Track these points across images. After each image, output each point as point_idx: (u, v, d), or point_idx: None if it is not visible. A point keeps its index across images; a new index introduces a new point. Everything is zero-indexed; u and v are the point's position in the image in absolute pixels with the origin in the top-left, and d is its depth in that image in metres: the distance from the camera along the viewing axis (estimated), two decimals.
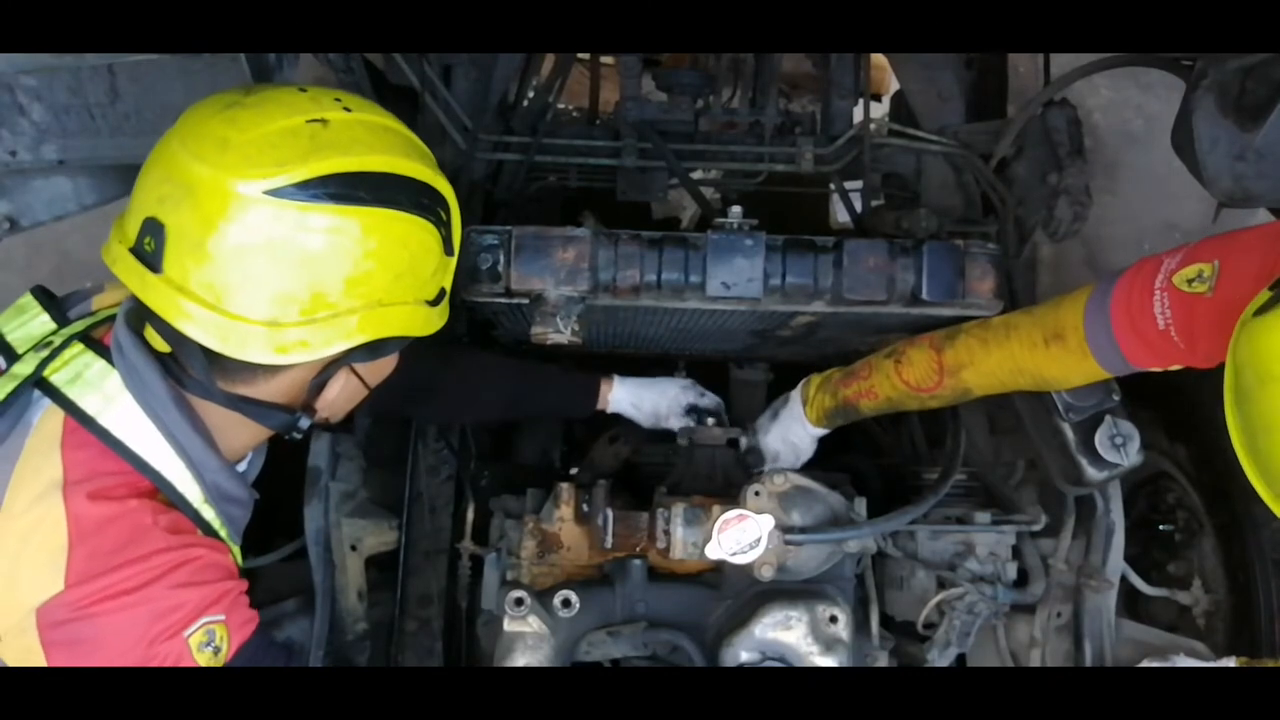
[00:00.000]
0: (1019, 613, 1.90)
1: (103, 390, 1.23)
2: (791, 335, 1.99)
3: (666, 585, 1.74)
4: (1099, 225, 2.84)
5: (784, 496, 1.71)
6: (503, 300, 1.77)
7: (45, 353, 1.27)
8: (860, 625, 1.78)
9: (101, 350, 1.27)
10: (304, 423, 1.31)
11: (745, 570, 1.68)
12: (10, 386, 1.24)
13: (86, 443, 1.21)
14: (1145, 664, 1.79)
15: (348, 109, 1.24)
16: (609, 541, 1.73)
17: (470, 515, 1.90)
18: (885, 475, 2.14)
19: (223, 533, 1.31)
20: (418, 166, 1.26)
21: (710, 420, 1.98)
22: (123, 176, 1.74)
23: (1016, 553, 1.89)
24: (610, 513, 1.73)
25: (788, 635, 1.66)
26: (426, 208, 1.27)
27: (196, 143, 1.17)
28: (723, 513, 1.66)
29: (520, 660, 1.63)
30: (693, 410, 2.00)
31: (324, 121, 1.20)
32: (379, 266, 1.22)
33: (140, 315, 1.24)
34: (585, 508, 1.76)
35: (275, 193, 1.15)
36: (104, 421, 1.22)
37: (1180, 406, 2.03)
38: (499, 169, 2.15)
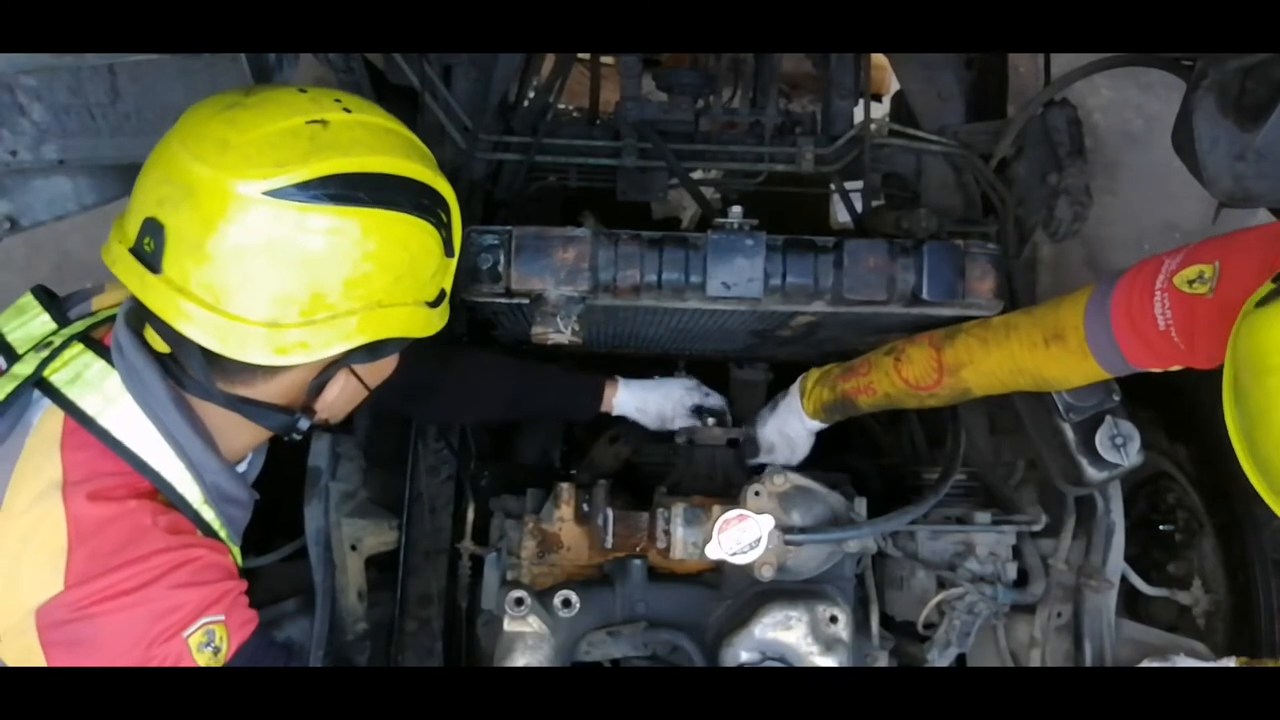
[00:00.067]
0: (1019, 613, 1.90)
1: (102, 391, 1.23)
2: (791, 335, 1.99)
3: (666, 585, 1.74)
4: (1099, 225, 2.84)
5: (784, 496, 1.71)
6: (503, 300, 1.77)
7: (45, 353, 1.27)
8: (860, 625, 1.78)
9: (101, 351, 1.26)
10: (303, 424, 1.31)
11: (745, 570, 1.68)
12: (10, 387, 1.24)
13: (86, 443, 1.21)
14: (1145, 664, 1.79)
15: (348, 110, 1.24)
16: (609, 541, 1.73)
17: (470, 515, 1.90)
18: (885, 475, 2.14)
19: (222, 533, 1.31)
20: (418, 168, 1.26)
21: (711, 420, 1.98)
22: (123, 176, 1.74)
23: (1016, 553, 1.89)
24: (610, 513, 1.73)
25: (788, 635, 1.66)
26: (427, 209, 1.27)
27: (196, 143, 1.17)
28: (723, 513, 1.66)
29: (520, 660, 1.63)
30: (698, 411, 2.00)
31: (324, 122, 1.20)
32: (378, 268, 1.22)
33: (140, 316, 1.24)
34: (585, 508, 1.76)
35: (275, 193, 1.15)
36: (104, 422, 1.22)
37: (1180, 406, 2.03)
38: (499, 169, 2.15)
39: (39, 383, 1.24)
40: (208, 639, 1.19)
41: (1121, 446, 1.68)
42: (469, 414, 2.00)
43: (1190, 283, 1.32)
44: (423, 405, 1.84)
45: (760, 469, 1.78)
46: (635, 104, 2.15)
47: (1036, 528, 1.88)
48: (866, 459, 2.23)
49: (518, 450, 2.32)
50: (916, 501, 1.78)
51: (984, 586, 1.83)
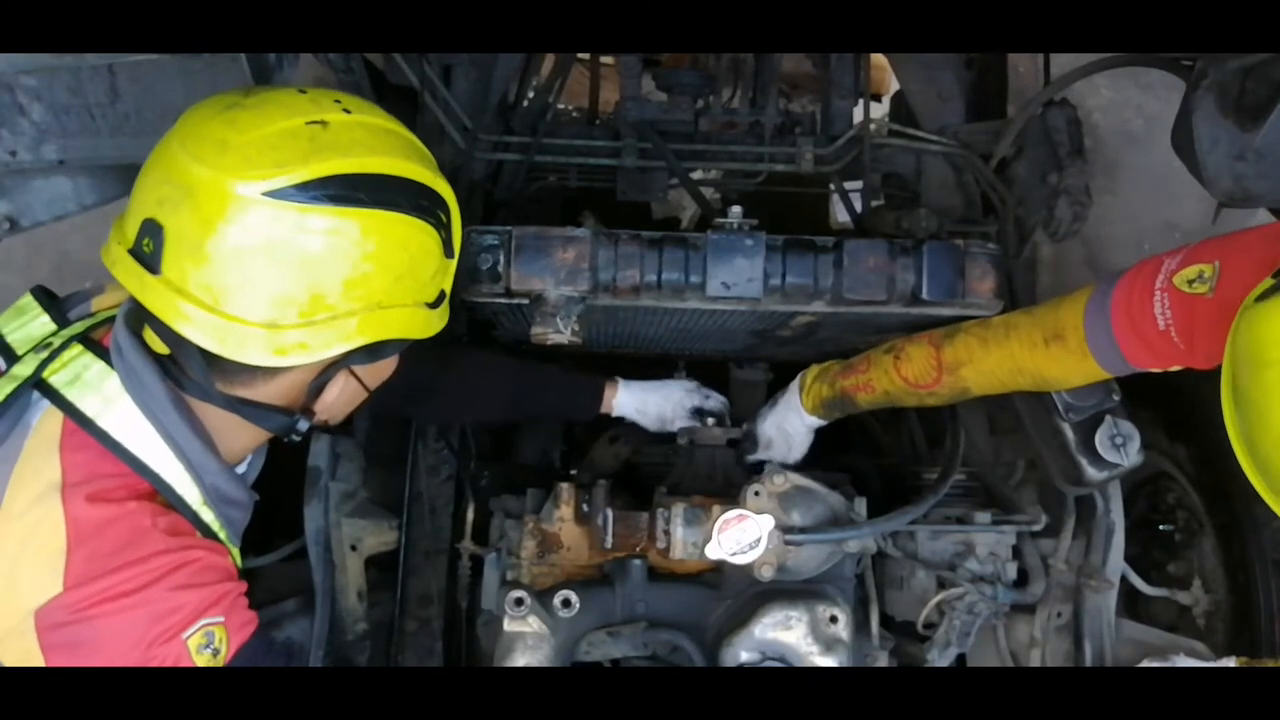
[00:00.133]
0: (1019, 613, 1.90)
1: (102, 392, 1.23)
2: (791, 335, 1.99)
3: (666, 585, 1.74)
4: (1099, 225, 2.84)
5: (784, 496, 1.71)
6: (503, 300, 1.77)
7: (45, 354, 1.27)
8: (860, 625, 1.78)
9: (101, 352, 1.26)
10: (303, 425, 1.31)
11: (745, 570, 1.68)
12: (10, 388, 1.24)
13: (85, 445, 1.21)
14: (1145, 664, 1.79)
15: (347, 110, 1.24)
16: (609, 541, 1.73)
17: (470, 515, 1.90)
18: (885, 475, 2.14)
19: (222, 535, 1.31)
20: (418, 168, 1.26)
21: (711, 421, 1.98)
22: (123, 176, 1.74)
23: (1016, 553, 1.89)
24: (610, 513, 1.73)
25: (788, 635, 1.66)
26: (426, 210, 1.26)
27: (196, 144, 1.17)
28: (723, 513, 1.66)
29: (520, 660, 1.63)
30: (698, 412, 2.00)
31: (323, 123, 1.20)
32: (378, 269, 1.21)
33: (139, 317, 1.24)
34: (585, 508, 1.76)
35: (274, 194, 1.15)
36: (103, 423, 1.22)
37: (1180, 406, 2.03)
38: (499, 169, 2.15)
39: (38, 384, 1.24)
40: (207, 640, 1.19)
41: (1121, 446, 1.68)
42: (469, 414, 2.00)
43: (1190, 282, 1.32)
44: (423, 406, 1.84)
45: (760, 468, 1.78)
46: (635, 104, 2.15)
47: (1036, 528, 1.88)
48: (866, 459, 2.23)
49: (518, 450, 2.32)
50: (916, 501, 1.78)
51: (984, 586, 1.83)
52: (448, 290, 1.37)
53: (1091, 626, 1.84)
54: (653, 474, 2.04)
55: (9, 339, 1.33)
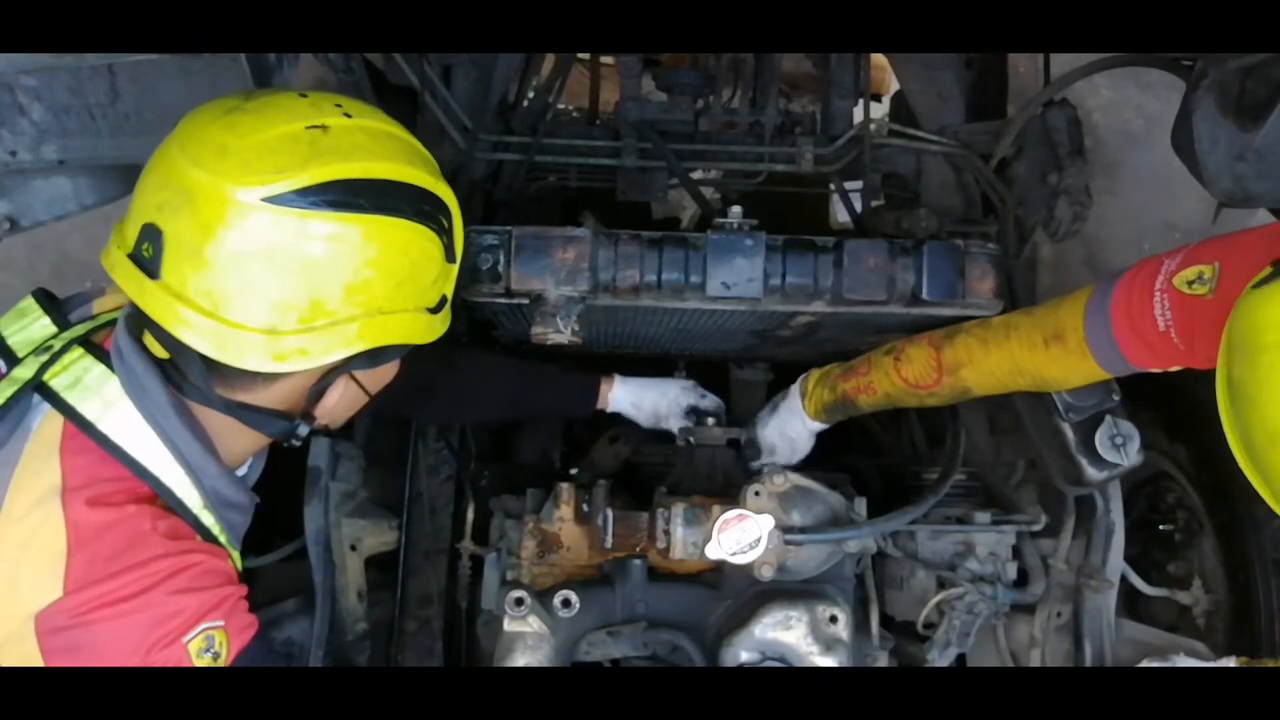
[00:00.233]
0: (1019, 613, 1.90)
1: (102, 396, 1.23)
2: (791, 335, 1.99)
3: (666, 585, 1.74)
4: (1099, 225, 2.84)
5: (784, 496, 1.71)
6: (503, 300, 1.77)
7: (45, 357, 1.27)
8: (860, 625, 1.78)
9: (101, 355, 1.26)
10: (303, 430, 1.31)
11: (745, 570, 1.68)
12: (10, 391, 1.24)
13: (85, 448, 1.20)
14: (1145, 664, 1.79)
15: (349, 115, 1.23)
16: (609, 541, 1.73)
17: (470, 515, 1.91)
18: (885, 475, 2.14)
19: (222, 538, 1.30)
20: (419, 173, 1.25)
21: (710, 421, 1.98)
22: (123, 176, 1.74)
23: (1016, 553, 1.89)
24: (610, 513, 1.73)
25: (788, 635, 1.66)
26: (428, 215, 1.26)
27: (195, 149, 1.16)
28: (723, 513, 1.66)
29: (520, 660, 1.63)
30: (693, 411, 2.00)
31: (324, 128, 1.20)
32: (379, 274, 1.21)
33: (139, 321, 1.23)
34: (585, 508, 1.76)
35: (274, 200, 1.14)
36: (103, 427, 1.21)
37: (1180, 406, 2.03)
38: (499, 169, 2.15)
39: (39, 387, 1.24)
40: (207, 644, 1.18)
41: (1121, 446, 1.68)
42: (469, 414, 2.00)
43: (1190, 283, 1.32)
44: (423, 406, 1.84)
45: (760, 468, 1.78)
46: (635, 104, 2.15)
47: (1036, 528, 1.88)
48: (866, 459, 2.23)
49: (518, 450, 2.32)
50: (916, 501, 1.78)
51: (984, 586, 1.83)
52: (449, 295, 1.37)
53: (1091, 626, 1.84)
54: (653, 474, 2.04)
55: (10, 341, 1.33)
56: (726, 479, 1.94)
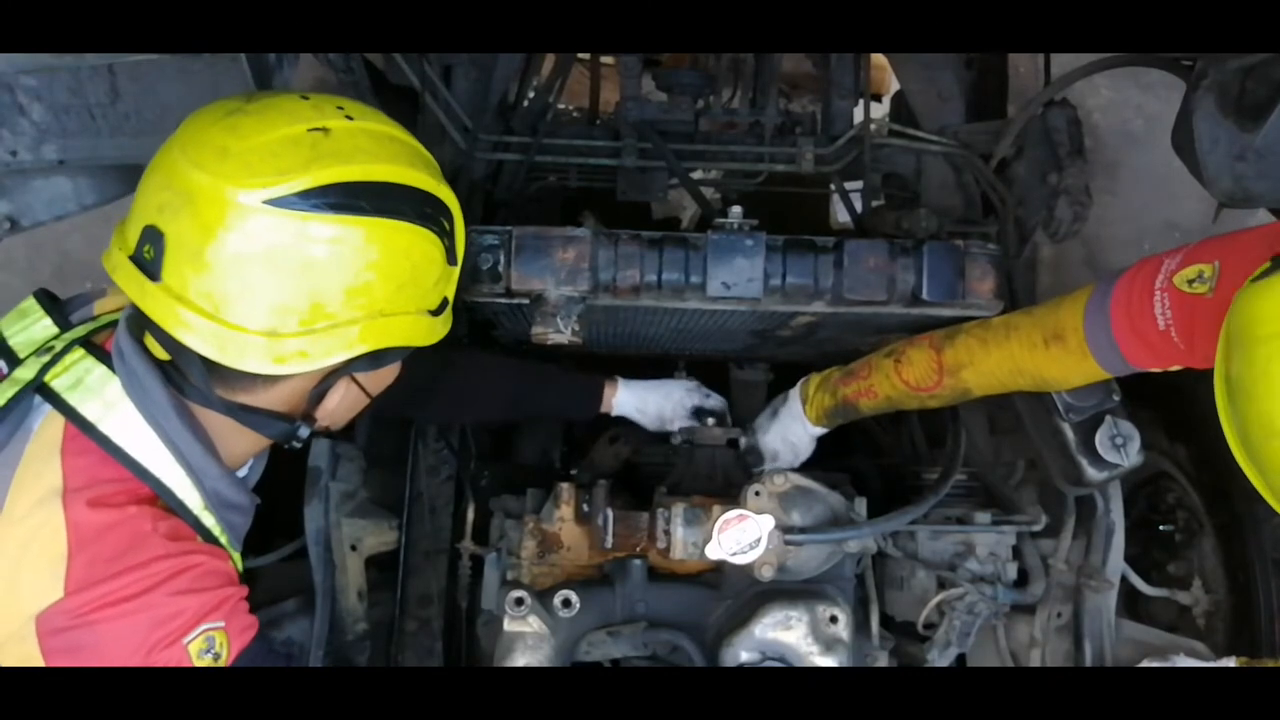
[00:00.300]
0: (1019, 613, 1.90)
1: (103, 397, 1.23)
2: (791, 335, 1.99)
3: (666, 585, 1.74)
4: (1099, 225, 2.84)
5: (784, 496, 1.71)
6: (503, 300, 1.77)
7: (47, 358, 1.27)
8: (860, 625, 1.78)
9: (103, 356, 1.26)
10: (304, 432, 1.31)
11: (745, 570, 1.68)
12: (11, 392, 1.24)
13: (86, 449, 1.20)
14: (1145, 664, 1.79)
15: (350, 117, 1.23)
16: (609, 541, 1.73)
17: (470, 515, 1.90)
18: (885, 475, 2.14)
19: (223, 539, 1.30)
20: (421, 176, 1.25)
21: (711, 420, 1.98)
22: (123, 176, 1.74)
23: (1016, 553, 1.89)
24: (610, 513, 1.73)
25: (788, 635, 1.66)
26: (429, 218, 1.26)
27: (197, 150, 1.16)
28: (723, 513, 1.66)
29: (520, 660, 1.63)
30: (698, 412, 1.99)
31: (326, 130, 1.20)
32: (380, 277, 1.21)
33: (140, 322, 1.23)
34: (585, 508, 1.76)
35: (275, 202, 1.14)
36: (104, 428, 1.21)
37: (1180, 406, 2.03)
38: (499, 169, 2.15)
39: (40, 388, 1.24)
40: (208, 645, 1.18)
41: (1121, 446, 1.68)
42: (469, 415, 2.00)
43: (1190, 282, 1.32)
44: (423, 406, 1.84)
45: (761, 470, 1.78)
46: (635, 104, 2.15)
47: (1036, 528, 1.88)
48: (867, 459, 2.24)
49: (518, 450, 2.32)
50: (916, 501, 1.78)
51: (984, 586, 1.83)
52: (451, 297, 1.36)
53: (1091, 626, 1.84)
54: (653, 474, 2.04)
55: (11, 342, 1.32)
56: (726, 479, 1.94)
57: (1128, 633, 1.89)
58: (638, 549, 1.75)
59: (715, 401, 2.02)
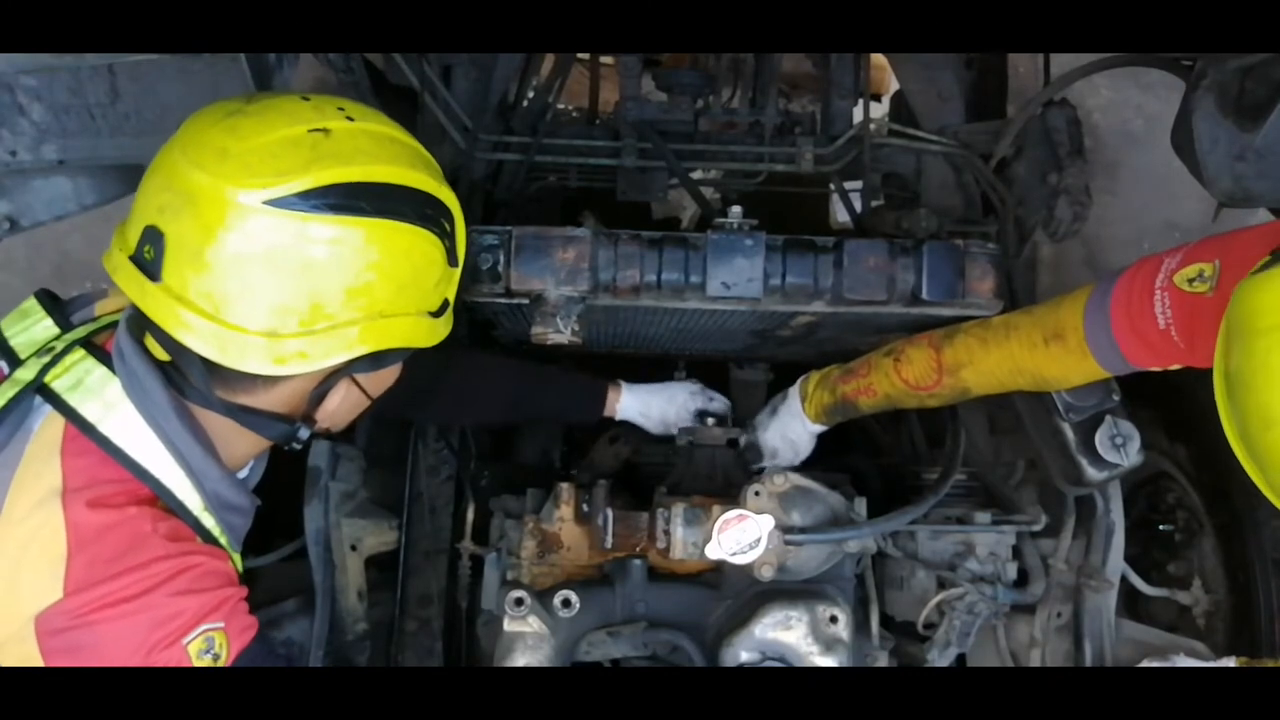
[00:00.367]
0: (1019, 613, 1.90)
1: (103, 397, 1.23)
2: (791, 335, 1.99)
3: (666, 585, 1.74)
4: (1099, 225, 2.84)
5: (784, 496, 1.71)
6: (503, 300, 1.77)
7: (47, 358, 1.27)
8: (860, 625, 1.78)
9: (103, 356, 1.26)
10: (304, 433, 1.31)
11: (745, 570, 1.68)
12: (12, 392, 1.24)
13: (86, 450, 1.20)
14: (1145, 664, 1.79)
15: (351, 118, 1.23)
16: (609, 541, 1.73)
17: (470, 515, 1.90)
18: (885, 475, 2.14)
19: (222, 540, 1.30)
20: (422, 177, 1.25)
21: (711, 421, 1.98)
22: (123, 176, 1.74)
23: (1016, 553, 1.89)
24: (610, 513, 1.73)
25: (788, 635, 1.66)
26: (430, 219, 1.26)
27: (197, 151, 1.17)
28: (723, 513, 1.66)
29: (520, 660, 1.63)
30: (702, 415, 1.99)
31: (326, 131, 1.20)
32: (380, 278, 1.21)
33: (141, 323, 1.23)
34: (585, 508, 1.76)
35: (275, 203, 1.14)
36: (104, 429, 1.21)
37: (1180, 406, 2.03)
38: (499, 169, 2.15)
39: (40, 389, 1.24)
40: (207, 646, 1.18)
41: (1121, 446, 1.68)
42: (469, 416, 2.00)
43: (1190, 281, 1.31)
44: (423, 407, 1.84)
45: (760, 468, 1.78)
46: (635, 104, 2.15)
47: (1036, 528, 1.88)
48: (867, 459, 2.23)
49: (518, 450, 2.32)
50: (916, 501, 1.78)
51: (984, 586, 1.83)
52: (451, 298, 1.36)
53: (1091, 626, 1.84)
54: (653, 474, 2.04)
55: (12, 343, 1.32)
56: (726, 479, 1.94)
57: (1128, 633, 1.89)
58: (638, 549, 1.75)
59: (719, 404, 2.02)
